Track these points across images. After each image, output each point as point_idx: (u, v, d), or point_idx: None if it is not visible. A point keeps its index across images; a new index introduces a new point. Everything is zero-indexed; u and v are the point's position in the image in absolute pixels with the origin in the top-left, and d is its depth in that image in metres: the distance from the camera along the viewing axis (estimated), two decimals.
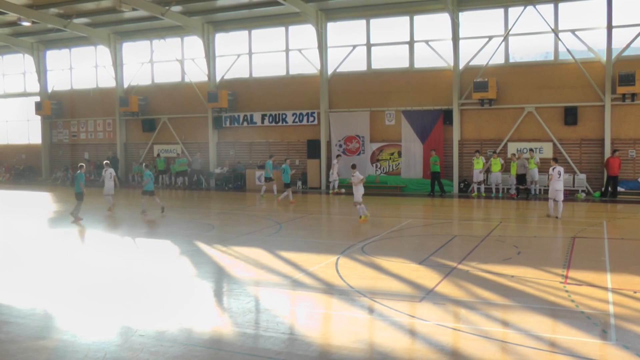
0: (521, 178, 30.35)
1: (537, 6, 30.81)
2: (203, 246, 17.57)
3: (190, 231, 20.61)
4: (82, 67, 44.46)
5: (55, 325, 10.47)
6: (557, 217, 22.46)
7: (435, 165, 31.63)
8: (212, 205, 30.22)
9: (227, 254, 16.40)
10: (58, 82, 45.60)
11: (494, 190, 30.98)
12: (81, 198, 23.20)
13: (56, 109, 44.89)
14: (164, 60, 41.07)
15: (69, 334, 9.75)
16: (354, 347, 9.02)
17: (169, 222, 22.90)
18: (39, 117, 45.83)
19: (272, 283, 13.00)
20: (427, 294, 11.87)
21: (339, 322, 10.52)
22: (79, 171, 23.70)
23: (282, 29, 36.84)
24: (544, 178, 30.38)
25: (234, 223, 23.15)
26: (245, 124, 38.29)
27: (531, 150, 30.79)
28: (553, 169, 22.81)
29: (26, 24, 36.53)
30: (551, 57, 31.69)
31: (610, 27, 29.80)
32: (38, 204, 31.81)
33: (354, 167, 23.32)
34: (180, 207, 28.91)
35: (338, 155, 34.37)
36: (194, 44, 39.12)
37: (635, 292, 11.84)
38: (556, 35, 30.90)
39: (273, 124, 37.49)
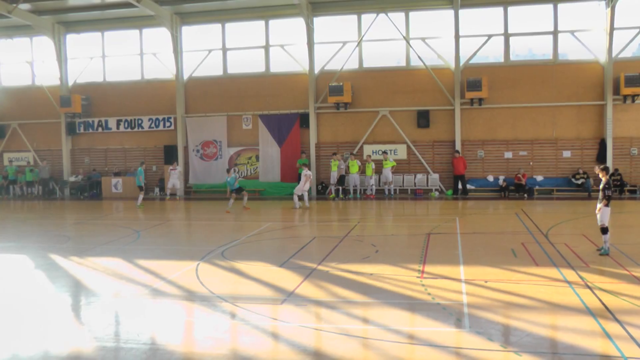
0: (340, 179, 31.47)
1: (389, 14, 31.82)
2: (58, 259, 16.81)
3: (44, 244, 19.66)
4: None
5: None
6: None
7: (301, 168, 31.87)
8: (67, 216, 29.12)
9: (84, 266, 15.82)
10: None
11: (351, 192, 31.61)
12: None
13: None
14: (12, 62, 39.05)
15: None
16: (218, 353, 8.95)
17: (21, 236, 21.86)
18: None
19: (131, 293, 12.67)
20: (289, 296, 11.93)
21: (201, 329, 10.39)
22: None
23: (137, 31, 36.09)
24: (398, 178, 31.44)
25: (90, 233, 22.39)
26: (100, 129, 37.21)
27: (384, 152, 31.65)
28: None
29: None
30: (403, 63, 32.72)
31: (457, 37, 31.24)
32: None
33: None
34: (32, 218, 27.71)
35: (174, 162, 33.93)
36: (44, 44, 37.52)
37: (486, 282, 12.46)
38: (407, 42, 31.98)
39: (129, 129, 36.65)
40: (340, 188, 31.37)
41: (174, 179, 32.33)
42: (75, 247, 19.13)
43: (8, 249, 18.94)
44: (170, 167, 32.61)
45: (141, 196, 29.97)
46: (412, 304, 11.22)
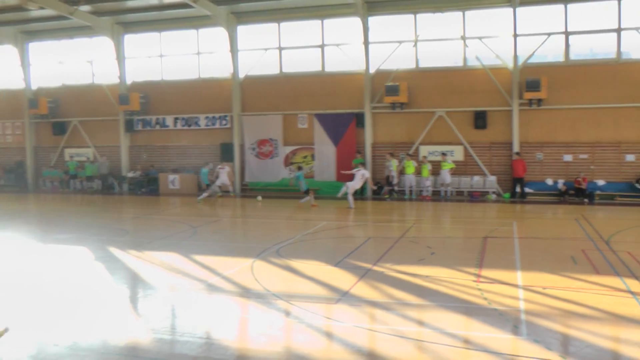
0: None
1: (445, 13, 31.49)
2: (117, 252, 17.16)
3: (103, 237, 20.08)
4: None
5: None
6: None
7: (357, 168, 31.80)
8: (125, 210, 29.62)
9: (141, 259, 16.09)
10: None
11: (407, 192, 31.42)
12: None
13: None
14: (74, 62, 39.86)
15: None
16: (271, 350, 8.99)
17: (81, 228, 22.27)
18: None
19: (187, 287, 12.82)
20: (343, 296, 11.91)
21: (255, 325, 10.45)
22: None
23: (194, 31, 36.43)
24: (454, 180, 31.14)
25: (147, 228, 22.76)
26: (157, 127, 37.70)
27: (443, 153, 31.37)
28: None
29: None
30: (460, 63, 32.37)
31: (515, 36, 30.69)
32: None
33: (299, 168, 30.57)
34: (92, 212, 28.24)
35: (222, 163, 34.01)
36: (104, 45, 38.17)
37: (544, 289, 12.19)
38: (464, 42, 31.63)
39: (186, 127, 37.02)
40: (394, 188, 31.25)
41: (223, 176, 32.55)
42: (133, 240, 19.47)
43: (69, 240, 19.36)
44: (219, 166, 32.80)
45: (205, 193, 31.34)
46: (467, 308, 11.08)
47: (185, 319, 10.75)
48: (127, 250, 17.31)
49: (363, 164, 29.28)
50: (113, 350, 9.12)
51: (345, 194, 27.51)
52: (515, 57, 30.83)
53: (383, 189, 32.20)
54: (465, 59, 32.03)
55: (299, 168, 30.85)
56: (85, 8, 34.27)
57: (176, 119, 37.07)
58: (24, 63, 40.35)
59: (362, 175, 27.47)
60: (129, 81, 38.13)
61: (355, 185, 27.47)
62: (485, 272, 13.75)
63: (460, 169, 31.80)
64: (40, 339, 9.63)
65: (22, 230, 21.73)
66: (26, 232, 20.60)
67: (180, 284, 13.13)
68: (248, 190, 35.47)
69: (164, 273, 14.34)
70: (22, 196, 36.28)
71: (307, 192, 28.33)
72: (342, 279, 13.35)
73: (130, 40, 38.11)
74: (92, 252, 17.30)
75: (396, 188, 31.48)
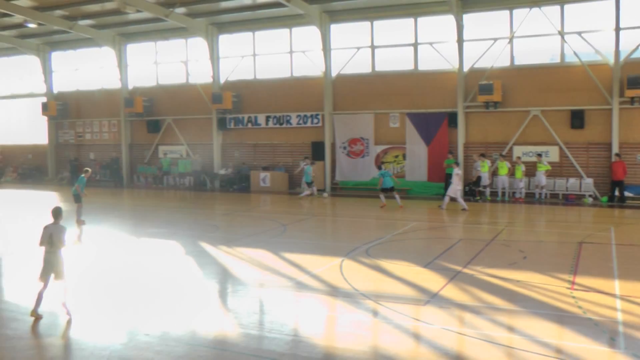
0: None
1: (542, 8, 30.62)
2: (208, 247, 17.54)
3: (194, 232, 20.56)
4: (87, 69, 44.38)
5: (62, 323, 10.48)
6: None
7: (451, 168, 31.43)
8: (217, 207, 30.20)
9: (231, 255, 16.35)
10: (64, 83, 45.55)
11: (499, 194, 30.83)
12: (79, 200, 22.82)
13: (62, 110, 44.83)
14: (168, 62, 41.01)
15: (76, 332, 9.82)
16: (358, 349, 8.97)
17: (173, 223, 22.79)
18: (45, 118, 45.72)
19: (276, 284, 12.95)
20: (432, 298, 11.78)
21: (343, 324, 10.47)
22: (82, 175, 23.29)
23: (286, 30, 36.72)
24: (549, 182, 30.33)
25: (238, 224, 23.08)
26: (249, 125, 38.21)
27: (539, 154, 30.59)
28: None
29: (32, 25, 36.69)
30: (557, 60, 31.49)
31: (617, 29, 29.53)
32: (46, 203, 31.70)
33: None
34: (184, 208, 28.85)
35: (306, 158, 34.05)
36: (198, 45, 39.04)
37: None
38: (562, 37, 30.73)
39: (277, 125, 37.39)
40: (483, 189, 30.76)
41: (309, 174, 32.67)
42: (224, 236, 19.79)
43: (161, 234, 19.93)
44: (304, 164, 32.86)
45: (307, 191, 32.08)
46: (561, 316, 10.74)
47: (274, 315, 10.87)
48: (218, 245, 17.64)
49: (457, 164, 28.73)
50: (202, 343, 9.36)
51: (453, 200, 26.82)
52: (617, 52, 29.63)
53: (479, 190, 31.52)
54: (562, 55, 31.12)
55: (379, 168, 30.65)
56: (181, 10, 35.04)
57: (268, 117, 37.46)
58: (121, 64, 41.67)
59: (457, 176, 26.75)
60: (222, 80, 38.77)
61: (455, 188, 26.71)
62: (580, 280, 13.28)
63: (555, 171, 30.90)
64: (132, 328, 9.99)
65: (116, 224, 22.38)
66: (120, 226, 21.20)
67: (269, 281, 13.27)
68: (338, 189, 35.51)
69: (253, 269, 14.52)
70: (117, 191, 37.45)
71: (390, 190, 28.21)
72: (432, 280, 13.21)
73: (224, 40, 38.75)
74: (183, 247, 17.72)
75: (488, 190, 30.93)
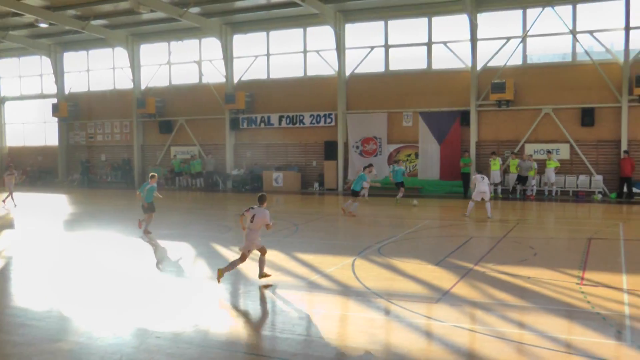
0: (522, 179, 30.76)
1: (555, 7, 30.73)
2: (220, 248, 17.61)
3: (206, 233, 20.67)
4: (99, 69, 44.58)
5: (72, 327, 10.45)
6: (489, 217, 22.85)
7: (466, 167, 31.57)
8: (229, 207, 30.31)
9: None
10: (75, 84, 45.67)
11: (511, 191, 30.94)
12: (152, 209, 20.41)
13: (73, 111, 44.93)
14: (181, 62, 41.20)
15: (85, 336, 9.75)
16: (371, 348, 9.04)
17: (186, 224, 22.94)
18: (56, 119, 45.77)
19: (288, 284, 13.02)
20: (444, 295, 11.90)
21: (355, 323, 10.57)
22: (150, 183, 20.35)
23: (300, 30, 36.89)
24: (560, 179, 30.45)
25: None
26: (262, 125, 38.36)
27: (549, 152, 30.69)
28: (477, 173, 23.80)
29: (44, 25, 36.87)
30: (569, 58, 31.60)
31: (628, 28, 29.68)
32: (56, 205, 31.97)
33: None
34: (196, 208, 29.03)
35: (370, 165, 29.12)
36: (211, 45, 39.23)
37: None
38: (574, 36, 30.82)
39: (290, 125, 37.55)
40: (500, 187, 30.83)
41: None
42: (236, 237, 19.80)
43: (173, 236, 19.97)
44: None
45: (400, 194, 28.45)
46: (570, 312, 10.88)
47: (286, 316, 10.93)
48: (230, 246, 17.69)
49: (469, 164, 28.65)
50: (214, 345, 9.38)
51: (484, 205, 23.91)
52: (627, 51, 29.81)
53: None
54: (574, 54, 31.22)
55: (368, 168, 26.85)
56: (195, 10, 35.24)
57: (281, 117, 37.63)
58: (134, 64, 41.88)
59: (481, 179, 23.28)
60: (235, 80, 38.92)
61: (481, 190, 23.02)
62: (589, 275, 13.43)
63: (566, 168, 31.05)
64: (143, 331, 9.97)
65: (128, 226, 22.25)
66: (132, 228, 21.22)
67: (281, 281, 13.34)
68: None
69: (265, 270, 14.62)
70: (128, 192, 37.44)
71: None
72: (443, 278, 13.33)
73: (238, 40, 38.92)
74: (194, 249, 17.81)
75: (499, 188, 31.04)
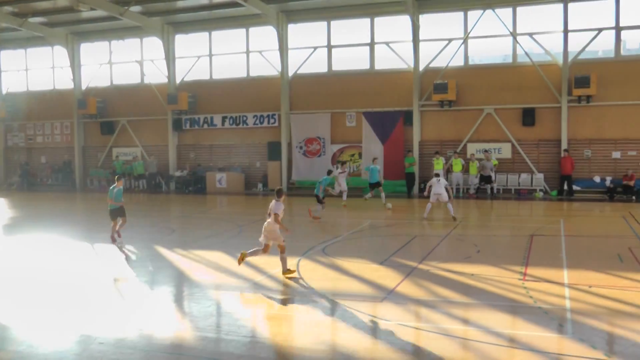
0: (486, 178, 30.87)
1: (495, 9, 31.24)
2: (163, 250, 17.37)
3: (150, 235, 20.40)
4: (38, 68, 43.52)
5: (10, 336, 10.15)
6: (454, 218, 22.20)
7: (411, 167, 31.82)
8: (172, 209, 30.01)
9: (187, 258, 16.27)
10: (13, 83, 44.49)
11: (454, 190, 31.24)
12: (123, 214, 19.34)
13: (11, 112, 43.63)
14: (123, 62, 40.57)
15: (25, 345, 9.50)
16: (316, 348, 9.04)
17: (128, 226, 22.52)
18: None
19: (233, 286, 12.93)
20: (389, 294, 11.94)
21: (300, 324, 10.55)
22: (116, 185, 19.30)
23: (243, 30, 36.72)
24: (502, 178, 30.94)
25: (194, 226, 23.01)
26: (205, 126, 38.07)
27: (486, 151, 31.10)
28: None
29: None
30: (510, 60, 32.15)
31: (566, 31, 30.34)
32: None
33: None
34: (139, 210, 28.62)
35: (343, 164, 30.65)
36: (153, 45, 38.74)
37: (590, 287, 12.07)
38: (514, 38, 31.35)
39: (234, 126, 37.33)
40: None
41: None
42: (180, 239, 19.70)
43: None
44: (339, 170, 28.60)
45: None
46: (513, 307, 11.04)
47: (231, 317, 10.84)
48: (174, 248, 17.51)
49: (414, 164, 28.82)
50: (158, 348, 9.24)
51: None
52: (566, 53, 30.47)
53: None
54: (515, 56, 31.76)
55: (329, 172, 26.85)
56: (136, 9, 34.76)
57: (224, 117, 37.42)
58: (74, 64, 41.04)
59: (437, 181, 22.61)
60: (177, 80, 38.55)
61: (436, 192, 22.33)
62: (531, 271, 13.65)
63: (508, 167, 31.58)
64: (86, 337, 9.74)
65: (67, 230, 21.77)
66: (71, 232, 20.73)
67: (225, 283, 13.26)
68: (295, 189, 35.60)
69: (209, 272, 14.51)
70: (69, 195, 36.88)
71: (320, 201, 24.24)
72: (388, 277, 13.38)
73: (180, 40, 38.55)
74: (138, 251, 17.56)
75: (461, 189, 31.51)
